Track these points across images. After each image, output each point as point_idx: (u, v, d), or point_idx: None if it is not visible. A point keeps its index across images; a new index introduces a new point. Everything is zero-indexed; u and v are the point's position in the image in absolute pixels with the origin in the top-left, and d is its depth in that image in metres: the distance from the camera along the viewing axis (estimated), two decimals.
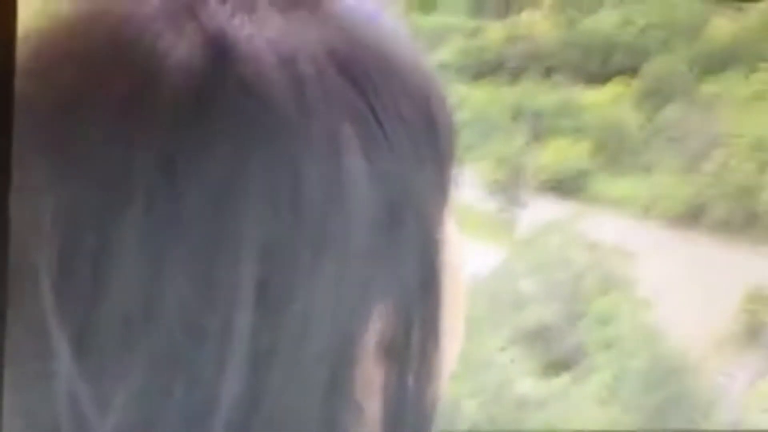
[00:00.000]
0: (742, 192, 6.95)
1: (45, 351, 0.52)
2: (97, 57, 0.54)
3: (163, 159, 0.52)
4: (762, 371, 6.32)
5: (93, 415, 0.52)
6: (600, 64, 8.06)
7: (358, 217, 0.52)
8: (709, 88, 7.65)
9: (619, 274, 6.61)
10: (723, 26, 7.81)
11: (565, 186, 7.44)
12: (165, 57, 0.53)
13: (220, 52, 0.53)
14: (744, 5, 7.62)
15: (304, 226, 0.52)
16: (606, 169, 7.44)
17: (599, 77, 8.05)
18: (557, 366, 6.16)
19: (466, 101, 6.15)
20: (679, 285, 6.48)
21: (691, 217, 7.08)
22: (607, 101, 7.78)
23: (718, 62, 7.83)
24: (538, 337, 6.25)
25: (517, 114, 7.31)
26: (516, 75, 7.95)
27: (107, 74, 0.54)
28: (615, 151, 7.39)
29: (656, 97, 7.62)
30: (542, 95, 7.82)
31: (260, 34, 0.54)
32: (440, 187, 0.57)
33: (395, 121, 0.55)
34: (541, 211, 7.05)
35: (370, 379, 0.55)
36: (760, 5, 7.59)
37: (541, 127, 7.39)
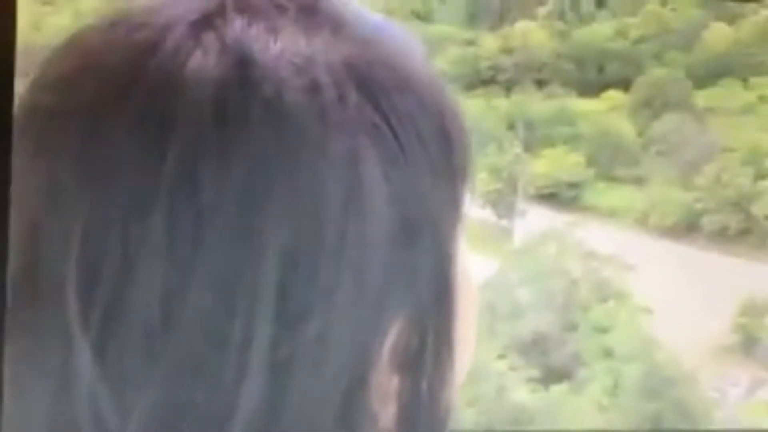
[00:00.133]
0: (736, 202, 6.96)
1: (68, 356, 0.52)
2: (115, 68, 0.54)
3: (185, 170, 0.52)
4: (758, 379, 6.32)
5: (114, 420, 0.52)
6: (594, 75, 8.07)
7: (375, 231, 0.53)
8: (703, 98, 7.67)
9: (615, 283, 6.61)
10: (716, 38, 7.83)
11: (560, 196, 7.45)
12: (183, 67, 0.53)
13: (238, 62, 0.53)
14: (737, 17, 7.64)
15: (324, 238, 0.52)
16: (601, 179, 7.45)
17: (593, 87, 8.06)
18: (554, 374, 6.16)
19: None
20: (674, 294, 6.49)
21: (687, 226, 7.09)
22: (601, 111, 7.79)
23: (712, 73, 7.85)
24: (534, 346, 6.25)
25: (511, 124, 7.32)
26: (510, 85, 7.96)
27: (126, 85, 0.54)
28: (609, 161, 7.40)
29: (650, 107, 7.63)
30: (536, 105, 7.83)
31: (279, 45, 0.54)
32: (454, 202, 0.57)
33: (412, 138, 0.55)
34: (536, 221, 7.06)
35: (386, 387, 0.54)
36: (752, 19, 7.61)
37: (536, 137, 7.40)
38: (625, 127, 7.58)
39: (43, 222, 0.55)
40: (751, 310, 6.58)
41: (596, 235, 6.85)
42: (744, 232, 6.98)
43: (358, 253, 0.53)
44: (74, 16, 6.49)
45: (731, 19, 7.79)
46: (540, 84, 7.77)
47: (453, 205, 0.58)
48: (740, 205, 7.01)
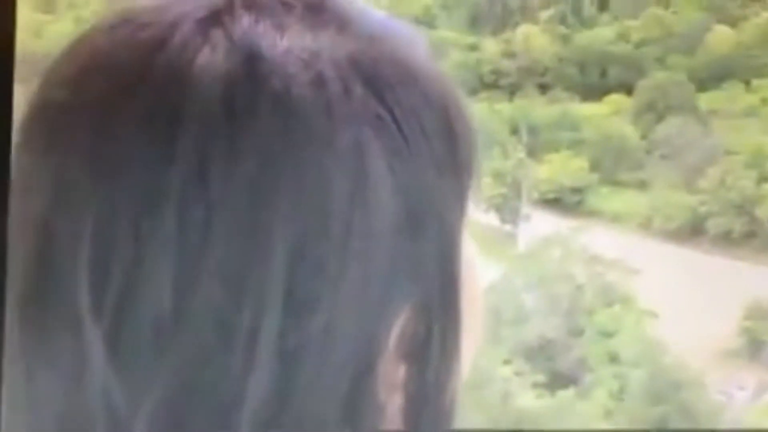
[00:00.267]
0: (740, 204, 6.96)
1: (80, 348, 0.53)
2: (124, 65, 0.54)
3: (194, 164, 0.53)
4: (764, 382, 6.32)
5: (125, 408, 0.53)
6: (597, 79, 8.08)
7: (381, 223, 0.54)
8: (706, 101, 7.68)
9: (620, 287, 6.61)
10: (719, 41, 7.84)
11: (564, 201, 7.45)
12: (191, 63, 0.54)
13: (246, 58, 0.54)
14: (739, 20, 7.65)
15: (330, 230, 0.53)
16: (604, 184, 7.46)
17: (596, 91, 8.07)
18: (560, 379, 6.16)
19: None
20: (680, 297, 6.49)
21: (691, 230, 7.09)
22: (604, 115, 7.80)
23: (714, 76, 7.86)
24: (540, 351, 6.25)
25: (514, 129, 7.33)
26: (513, 90, 7.97)
27: (135, 81, 0.54)
28: (613, 165, 7.40)
29: (653, 111, 7.64)
30: (539, 110, 7.84)
31: (286, 42, 0.55)
32: (459, 195, 0.58)
33: (416, 131, 0.56)
34: (540, 225, 7.06)
35: (392, 377, 0.55)
36: (754, 21, 7.62)
37: (539, 142, 7.40)
38: (628, 131, 7.58)
39: (54, 217, 0.56)
40: (756, 313, 6.57)
41: (601, 240, 6.85)
42: (748, 235, 6.97)
43: (364, 244, 0.54)
44: (75, 23, 6.51)
45: (733, 22, 7.80)
46: (543, 88, 7.77)
47: (458, 198, 0.58)
48: (744, 208, 7.00)
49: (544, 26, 7.84)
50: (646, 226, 7.16)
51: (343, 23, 0.56)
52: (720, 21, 7.88)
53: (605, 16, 7.98)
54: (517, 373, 6.15)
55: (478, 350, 0.61)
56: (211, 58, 0.54)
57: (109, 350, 0.53)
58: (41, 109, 0.58)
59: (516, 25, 7.77)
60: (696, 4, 7.88)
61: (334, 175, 0.53)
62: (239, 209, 0.53)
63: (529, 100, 7.66)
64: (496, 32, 7.82)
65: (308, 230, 0.53)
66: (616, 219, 7.19)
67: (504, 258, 6.61)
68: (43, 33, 6.16)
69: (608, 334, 6.44)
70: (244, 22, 0.55)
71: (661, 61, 7.79)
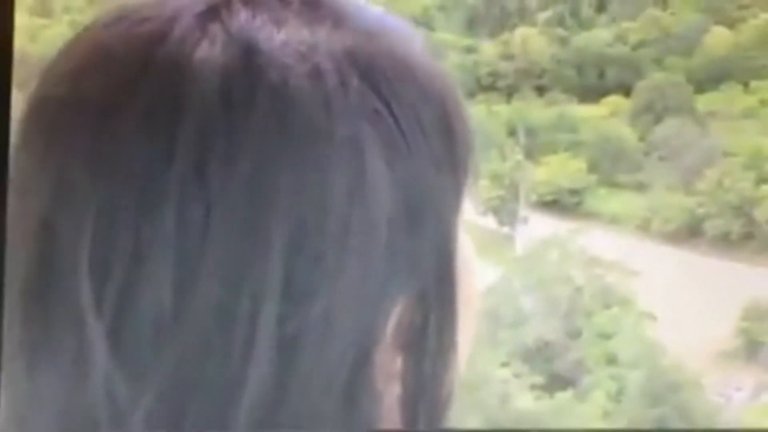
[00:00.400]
0: (738, 206, 6.97)
1: (82, 342, 0.53)
2: (123, 60, 0.55)
3: (194, 156, 0.53)
4: (762, 383, 6.32)
5: (127, 402, 0.54)
6: (594, 80, 8.09)
7: (378, 216, 0.54)
8: (704, 103, 7.69)
9: (619, 289, 6.62)
10: (716, 42, 7.85)
11: (562, 202, 7.46)
12: (190, 56, 0.54)
13: (244, 51, 0.54)
14: (737, 21, 7.66)
15: (329, 223, 0.53)
16: (602, 185, 7.47)
17: (594, 93, 8.08)
18: (558, 381, 6.16)
19: None
20: (678, 299, 6.49)
21: (689, 231, 7.09)
22: (602, 117, 7.81)
23: (712, 78, 7.87)
24: (538, 353, 6.25)
25: (512, 131, 7.34)
26: (511, 92, 7.98)
27: (135, 76, 0.55)
28: (611, 167, 7.41)
29: (651, 112, 7.64)
30: (537, 112, 7.85)
31: (283, 35, 0.55)
32: (455, 190, 0.59)
33: (413, 125, 0.56)
34: (538, 228, 7.07)
35: (390, 367, 0.56)
36: (752, 22, 7.62)
37: (537, 144, 7.41)
38: (626, 133, 7.59)
39: (55, 213, 0.56)
40: (754, 314, 6.58)
41: (599, 242, 6.85)
42: (746, 237, 6.98)
43: (362, 237, 0.55)
44: (71, 27, 6.52)
45: (731, 23, 7.81)
46: (540, 90, 7.78)
47: (454, 193, 0.59)
48: (742, 209, 7.01)
49: (542, 28, 7.85)
50: (644, 227, 7.16)
51: (339, 19, 0.57)
52: (718, 22, 7.89)
53: (603, 18, 7.99)
54: (516, 375, 6.15)
55: (473, 347, 0.62)
56: (210, 51, 0.54)
57: (110, 345, 0.54)
58: (42, 104, 0.58)
59: (514, 27, 7.78)
60: (694, 6, 7.89)
61: (332, 168, 0.53)
62: (238, 202, 0.53)
63: (526, 102, 7.66)
64: (493, 34, 7.83)
65: (306, 223, 0.53)
66: (614, 221, 7.20)
67: (502, 260, 6.61)
68: (39, 37, 6.17)
69: (606, 336, 6.44)
70: (242, 17, 0.56)
71: (659, 63, 7.80)
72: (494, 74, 7.75)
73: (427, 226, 0.57)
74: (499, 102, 7.60)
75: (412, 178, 0.56)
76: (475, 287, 0.61)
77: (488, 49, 7.88)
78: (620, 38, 8.00)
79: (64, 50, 0.59)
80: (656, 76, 7.73)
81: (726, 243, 6.97)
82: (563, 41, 7.92)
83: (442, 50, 6.83)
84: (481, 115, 6.83)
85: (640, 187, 7.37)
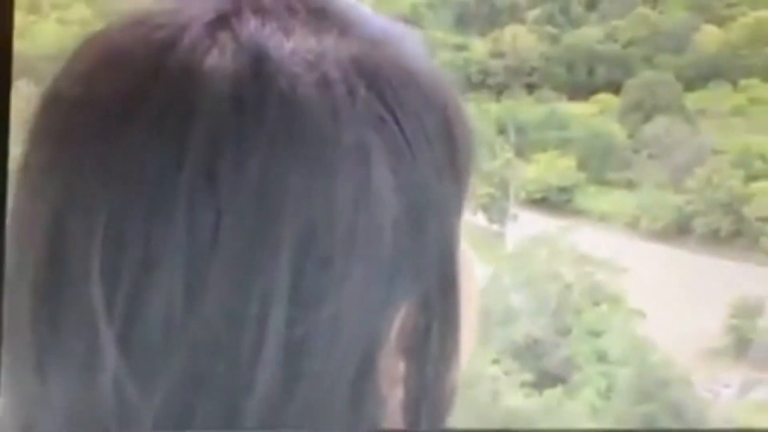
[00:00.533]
0: (727, 204, 6.98)
1: (93, 344, 0.54)
2: (135, 65, 0.55)
3: (204, 162, 0.54)
4: (750, 380, 6.34)
5: (137, 401, 0.55)
6: (584, 78, 8.10)
7: (383, 221, 0.55)
8: (693, 101, 7.70)
9: (608, 287, 6.63)
10: (706, 41, 7.86)
11: (552, 200, 7.47)
12: (200, 64, 0.55)
13: (253, 59, 0.55)
14: (727, 19, 7.68)
15: (335, 229, 0.54)
16: (592, 183, 7.48)
17: (583, 91, 8.09)
18: (548, 379, 6.17)
19: None
20: (667, 296, 6.51)
21: (678, 229, 7.11)
22: (591, 115, 7.82)
23: (702, 76, 7.89)
24: (528, 350, 6.27)
25: (502, 128, 7.35)
26: (500, 89, 7.99)
27: (146, 82, 0.55)
28: (600, 164, 7.43)
29: (640, 110, 7.66)
30: (527, 109, 7.86)
31: (292, 44, 0.56)
32: (457, 195, 0.60)
33: (417, 132, 0.58)
34: (528, 225, 7.08)
35: (393, 371, 0.57)
36: (742, 21, 7.64)
37: (527, 142, 7.42)
38: (615, 130, 7.60)
39: (66, 216, 0.56)
40: (742, 311, 6.60)
41: (588, 239, 6.86)
42: (735, 234, 7.00)
43: (368, 242, 0.55)
44: (59, 24, 6.51)
45: (721, 22, 7.82)
46: (530, 88, 7.79)
47: (456, 198, 0.60)
48: (731, 207, 7.03)
49: (532, 26, 7.86)
50: (633, 225, 7.18)
51: (345, 27, 0.58)
52: (707, 21, 7.91)
53: (593, 16, 8.00)
54: (506, 373, 6.16)
55: (474, 347, 0.63)
56: (220, 59, 0.55)
57: (120, 349, 0.54)
58: (54, 104, 0.59)
59: (503, 24, 7.79)
60: (683, 4, 7.91)
61: (339, 175, 0.54)
62: (247, 208, 0.54)
63: (516, 99, 7.67)
64: (483, 32, 7.84)
65: (313, 228, 0.54)
66: (603, 218, 7.21)
67: (492, 258, 6.62)
68: (27, 33, 6.16)
69: (596, 333, 6.46)
70: (251, 25, 0.57)
71: (648, 61, 7.82)
72: (484, 72, 7.76)
73: (430, 231, 0.58)
74: (489, 100, 7.60)
75: (416, 184, 0.57)
76: (475, 290, 0.62)
77: (478, 46, 7.89)
78: (610, 36, 8.01)
79: (78, 50, 0.60)
80: (646, 74, 7.75)
81: (715, 240, 6.99)
82: (553, 39, 7.93)
83: (431, 48, 6.84)
84: (471, 113, 6.83)
85: (630, 185, 7.38)
